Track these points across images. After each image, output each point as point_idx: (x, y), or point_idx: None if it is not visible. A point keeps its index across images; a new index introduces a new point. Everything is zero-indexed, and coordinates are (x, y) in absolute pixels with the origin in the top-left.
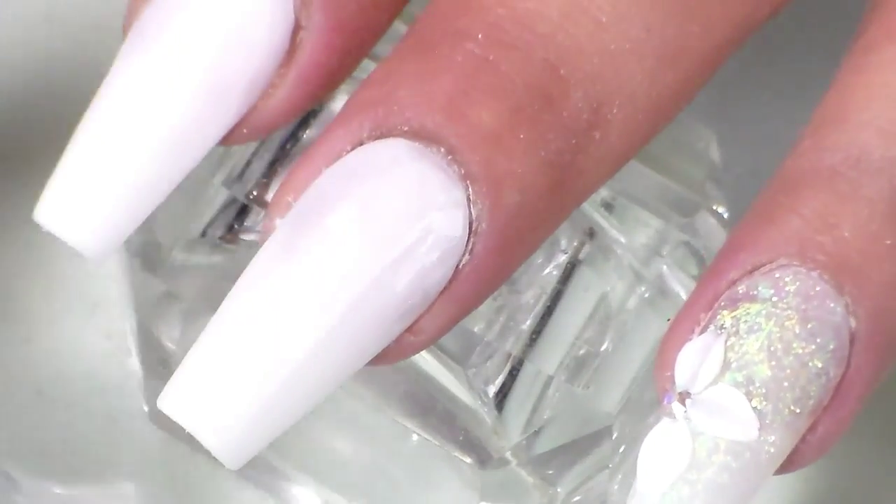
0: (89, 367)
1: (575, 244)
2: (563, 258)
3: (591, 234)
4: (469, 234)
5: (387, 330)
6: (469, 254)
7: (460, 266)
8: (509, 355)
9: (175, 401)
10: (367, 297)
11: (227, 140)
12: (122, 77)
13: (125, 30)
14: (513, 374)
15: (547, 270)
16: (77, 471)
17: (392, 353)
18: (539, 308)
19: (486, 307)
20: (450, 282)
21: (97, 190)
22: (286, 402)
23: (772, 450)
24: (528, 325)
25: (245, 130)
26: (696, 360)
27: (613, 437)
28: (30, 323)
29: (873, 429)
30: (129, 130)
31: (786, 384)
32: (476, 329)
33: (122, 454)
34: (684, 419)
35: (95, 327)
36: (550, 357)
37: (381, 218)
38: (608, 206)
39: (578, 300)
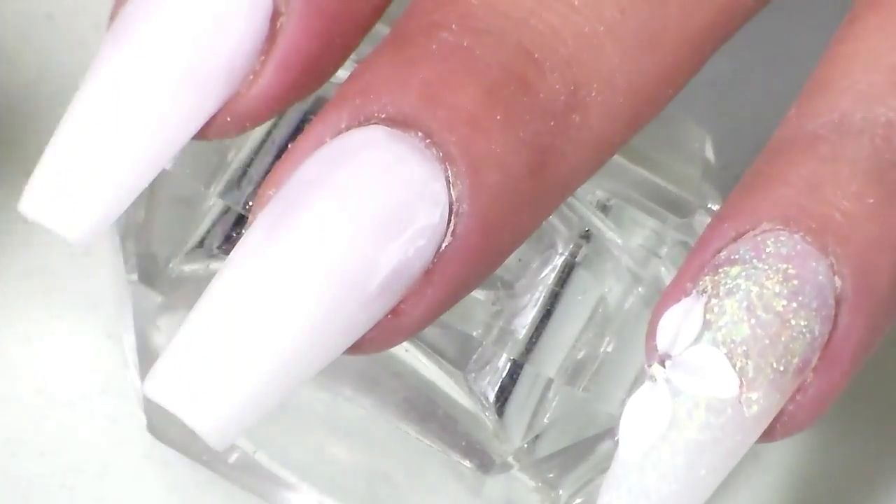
0: (89, 367)
1: (571, 247)
2: (559, 261)
3: (588, 236)
4: (450, 214)
5: (369, 310)
6: (451, 235)
7: (443, 247)
8: (509, 359)
9: (159, 384)
10: (348, 278)
11: (214, 131)
12: (102, 66)
13: (109, 25)
14: (513, 378)
15: (544, 273)
16: (77, 471)
17: (380, 337)
18: (537, 311)
19: (483, 311)
20: (434, 263)
21: (78, 178)
22: (269, 383)
23: (755, 407)
24: (526, 328)
25: (229, 119)
26: (677, 323)
27: (615, 439)
28: (30, 323)
29: (874, 428)
30: (109, 118)
31: (767, 342)
32: (474, 333)
33: (122, 455)
34: (664, 381)
35: (95, 327)
36: (550, 360)
37: (359, 201)
38: (604, 208)
39: (576, 302)
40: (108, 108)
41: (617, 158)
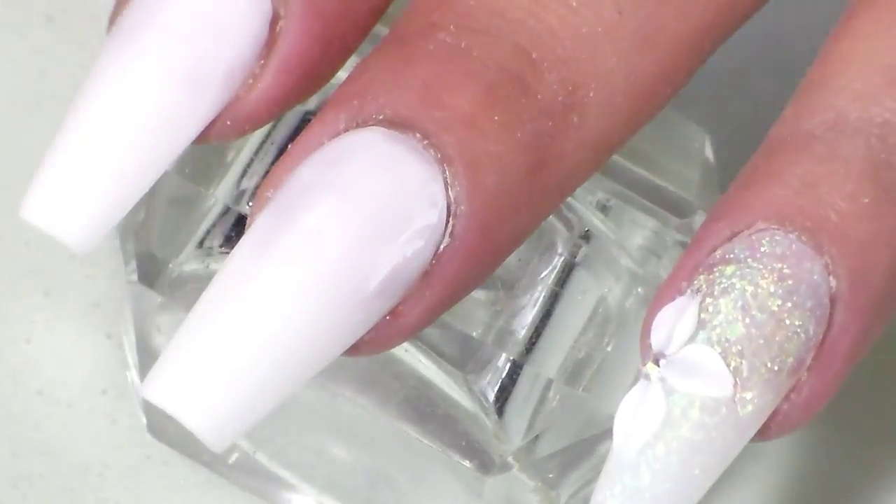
0: (89, 367)
1: (571, 247)
2: (559, 261)
3: (588, 236)
4: (448, 215)
5: (367, 311)
6: (449, 236)
7: (441, 248)
8: (508, 359)
9: (157, 386)
10: (346, 280)
11: (214, 135)
12: (102, 69)
13: (108, 29)
14: (512, 379)
15: (544, 274)
16: (77, 471)
17: (378, 339)
18: (537, 311)
19: (483, 311)
20: (432, 264)
21: (79, 183)
22: (267, 384)
23: (750, 407)
24: (526, 328)
25: (229, 122)
26: (671, 322)
27: None
28: (30, 323)
29: (874, 428)
30: (109, 123)
31: (761, 341)
32: (474, 333)
33: (122, 455)
34: (658, 380)
35: (95, 327)
36: (550, 360)
37: (357, 202)
38: (604, 209)
39: (576, 303)
40: (108, 111)
41: (617, 158)
